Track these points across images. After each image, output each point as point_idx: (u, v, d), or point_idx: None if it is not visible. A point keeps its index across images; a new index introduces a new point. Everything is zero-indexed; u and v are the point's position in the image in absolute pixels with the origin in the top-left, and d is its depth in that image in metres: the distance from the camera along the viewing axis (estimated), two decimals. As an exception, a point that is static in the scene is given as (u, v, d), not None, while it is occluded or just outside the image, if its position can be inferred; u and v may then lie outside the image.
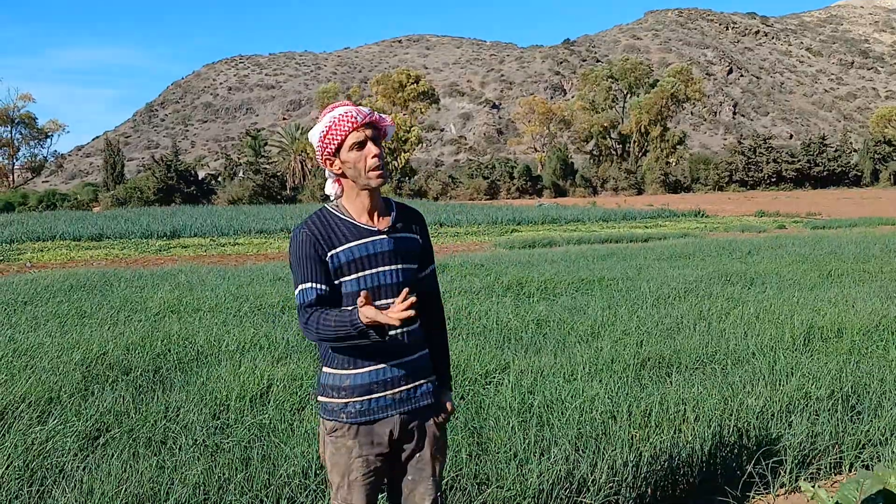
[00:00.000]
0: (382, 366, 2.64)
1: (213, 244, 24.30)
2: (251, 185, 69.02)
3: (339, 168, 2.65)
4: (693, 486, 4.15)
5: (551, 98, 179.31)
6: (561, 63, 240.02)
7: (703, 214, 37.94)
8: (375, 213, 2.69)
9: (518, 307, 9.32)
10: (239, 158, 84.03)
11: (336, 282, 2.63)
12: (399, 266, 2.67)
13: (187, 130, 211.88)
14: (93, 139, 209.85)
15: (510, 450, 4.11)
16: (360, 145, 2.60)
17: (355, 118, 2.59)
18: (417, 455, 2.73)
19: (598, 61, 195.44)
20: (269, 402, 5.24)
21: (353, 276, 2.61)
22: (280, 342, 7.17)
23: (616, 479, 3.88)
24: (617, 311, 8.76)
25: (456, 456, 4.03)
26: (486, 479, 3.83)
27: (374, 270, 2.63)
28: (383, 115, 2.70)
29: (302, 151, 76.37)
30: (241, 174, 78.12)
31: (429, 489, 2.74)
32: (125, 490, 3.62)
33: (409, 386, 2.68)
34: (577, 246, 20.77)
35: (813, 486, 3.02)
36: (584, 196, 77.20)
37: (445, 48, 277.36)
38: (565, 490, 3.76)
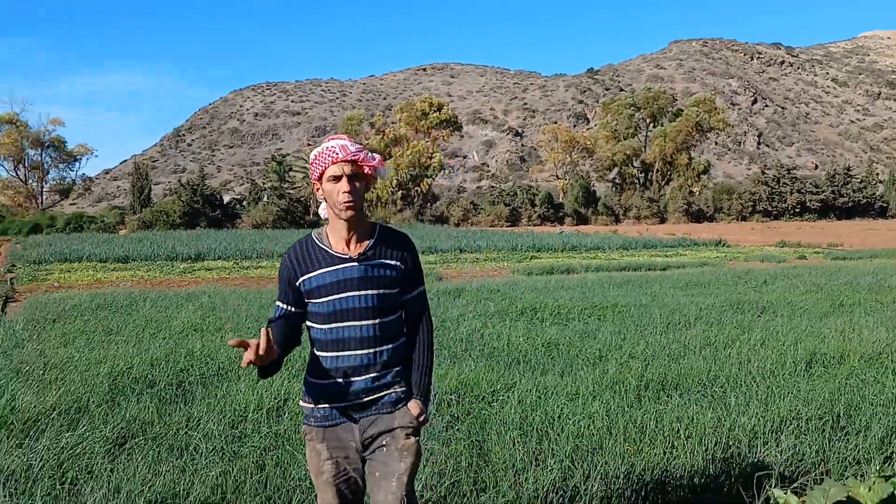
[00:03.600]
0: (343, 380, 2.86)
1: (236, 267, 24.71)
2: (275, 209, 69.82)
3: (322, 195, 2.93)
4: (685, 499, 4.36)
5: (574, 126, 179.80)
6: (584, 92, 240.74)
7: (724, 244, 37.88)
8: (353, 241, 2.91)
9: (530, 331, 9.55)
10: (263, 183, 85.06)
11: (310, 301, 2.90)
12: (369, 292, 2.86)
13: (213, 155, 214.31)
14: (120, 163, 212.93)
15: (509, 460, 4.36)
16: (336, 179, 2.85)
17: (336, 154, 2.83)
18: (383, 452, 2.88)
19: (621, 90, 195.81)
20: (284, 415, 5.53)
21: (324, 300, 2.85)
22: (297, 359, 7.46)
23: (608, 489, 4.11)
24: (626, 336, 8.97)
25: (457, 465, 4.29)
26: (484, 485, 4.09)
27: (342, 295, 2.84)
28: (372, 156, 2.90)
29: (326, 177, 77.17)
30: (265, 199, 79.00)
31: (392, 487, 2.83)
32: (150, 489, 3.92)
33: (371, 398, 2.88)
34: (594, 273, 20.94)
35: (785, 493, 3.24)
36: (607, 224, 77.22)
37: (469, 76, 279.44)
38: (559, 497, 4.00)
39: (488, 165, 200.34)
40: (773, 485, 4.37)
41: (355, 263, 2.87)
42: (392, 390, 2.92)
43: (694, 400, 5.74)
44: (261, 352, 2.55)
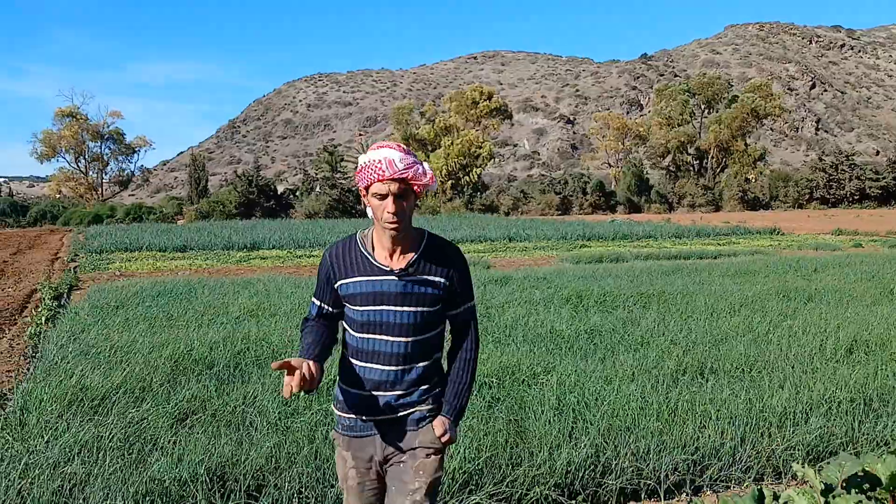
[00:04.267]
0: (372, 393, 2.75)
1: (290, 256, 25.26)
2: (327, 199, 70.76)
3: (368, 203, 2.74)
4: (714, 474, 4.54)
5: (627, 113, 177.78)
6: (638, 78, 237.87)
7: (778, 232, 37.30)
8: (398, 251, 2.75)
9: (574, 318, 9.72)
10: (316, 174, 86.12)
11: (346, 305, 2.80)
12: (408, 308, 2.71)
13: (268, 146, 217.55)
14: (177, 154, 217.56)
15: (544, 437, 4.59)
16: (381, 197, 2.65)
17: (383, 171, 2.61)
18: (400, 468, 2.80)
19: (675, 76, 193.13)
20: (333, 393, 5.83)
21: (360, 308, 2.73)
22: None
23: (638, 464, 4.32)
24: (669, 323, 9.09)
25: (495, 441, 4.54)
26: (519, 460, 4.33)
27: (379, 308, 2.71)
28: (423, 171, 2.69)
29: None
30: (317, 189, 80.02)
31: None
32: (209, 458, 4.26)
33: (395, 416, 2.78)
34: (644, 262, 20.90)
35: (803, 466, 3.41)
36: (660, 212, 76.34)
37: (521, 64, 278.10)
38: (590, 471, 4.23)
39: (539, 154, 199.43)
40: (800, 464, 4.51)
41: (395, 278, 2.72)
42: (417, 409, 2.81)
43: (728, 383, 5.89)
44: (303, 384, 2.46)
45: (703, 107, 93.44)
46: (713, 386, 5.81)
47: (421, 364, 2.78)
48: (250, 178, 70.87)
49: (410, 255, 2.75)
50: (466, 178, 77.86)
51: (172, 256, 25.18)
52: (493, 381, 6.17)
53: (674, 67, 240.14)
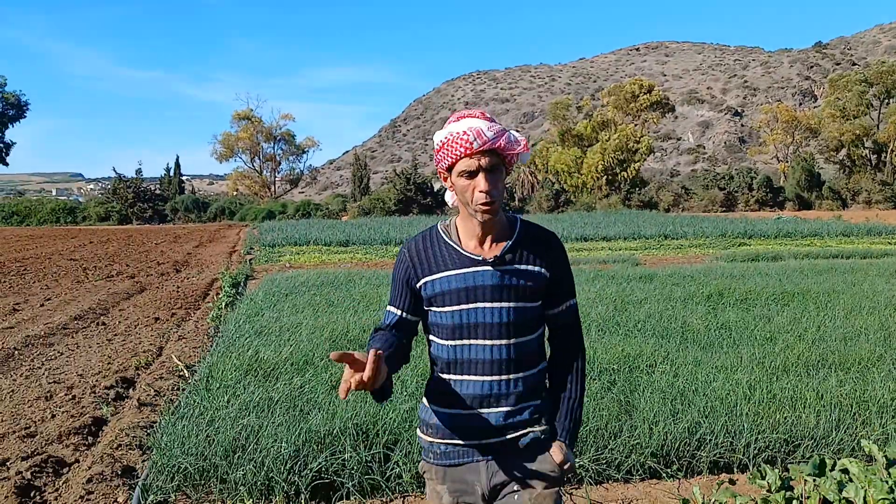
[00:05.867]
0: (468, 411, 2.35)
1: (442, 251, 26.27)
2: (482, 196, 71.90)
3: (451, 186, 2.40)
4: (806, 453, 4.89)
5: (800, 105, 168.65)
6: (811, 67, 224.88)
7: (961, 230, 34.67)
8: (489, 239, 2.40)
9: (708, 314, 9.94)
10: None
11: (431, 310, 2.42)
12: (503, 304, 2.33)
13: (426, 144, 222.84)
14: (343, 153, 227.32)
15: (647, 414, 5.11)
16: (470, 175, 2.29)
17: (471, 143, 2.24)
18: (515, 501, 2.39)
19: (854, 64, 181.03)
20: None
21: (450, 309, 2.35)
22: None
23: (731, 440, 4.76)
24: (802, 321, 9.19)
25: (600, 416, 5.11)
26: (620, 432, 4.88)
27: (471, 306, 2.32)
28: (515, 138, 2.33)
29: (531, 163, 78.44)
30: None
31: None
32: (356, 415, 5.10)
33: (504, 438, 2.37)
34: (800, 261, 20.34)
35: (870, 443, 3.78)
36: (832, 209, 72.24)
37: (686, 54, 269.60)
38: (685, 444, 4.72)
39: (704, 147, 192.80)
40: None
41: (489, 268, 2.34)
42: (530, 430, 2.39)
43: (837, 376, 6.13)
44: (365, 378, 1.98)
45: (882, 97, 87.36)
46: (824, 377, 6.07)
47: (525, 373, 2.38)
48: (408, 176, 73.23)
49: (504, 243, 2.40)
50: (623, 173, 76.85)
51: (336, 251, 26.80)
52: (613, 367, 6.70)
53: (851, 55, 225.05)
